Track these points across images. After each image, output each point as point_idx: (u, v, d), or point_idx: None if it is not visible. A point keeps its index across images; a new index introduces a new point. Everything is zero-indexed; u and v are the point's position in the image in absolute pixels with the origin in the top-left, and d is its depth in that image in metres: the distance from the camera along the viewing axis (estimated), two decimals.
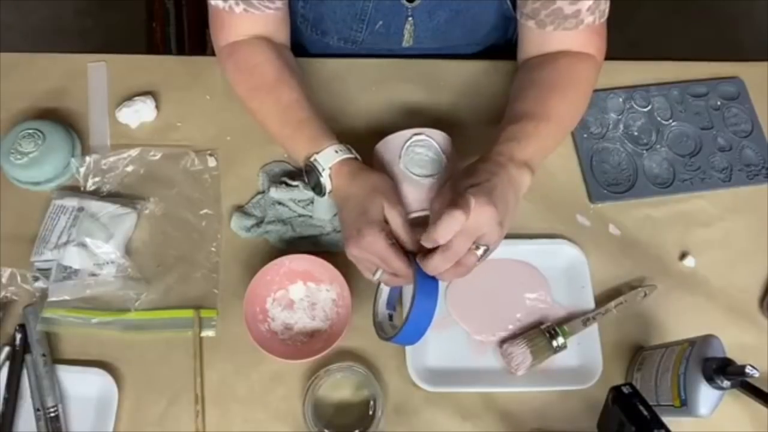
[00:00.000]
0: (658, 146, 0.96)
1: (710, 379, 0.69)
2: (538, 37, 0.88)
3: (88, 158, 0.91)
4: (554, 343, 0.80)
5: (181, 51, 1.23)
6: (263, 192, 0.91)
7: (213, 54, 0.94)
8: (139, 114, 0.95)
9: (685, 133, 0.98)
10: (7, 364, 0.80)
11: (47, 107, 0.97)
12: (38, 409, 0.77)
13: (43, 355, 0.79)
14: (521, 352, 0.79)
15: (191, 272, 0.86)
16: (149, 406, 0.79)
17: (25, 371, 0.79)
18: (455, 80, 1.00)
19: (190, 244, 0.88)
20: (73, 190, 0.91)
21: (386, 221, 0.72)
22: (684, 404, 0.71)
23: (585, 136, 0.96)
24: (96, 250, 0.84)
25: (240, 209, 0.90)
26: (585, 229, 0.91)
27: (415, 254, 0.71)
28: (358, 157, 0.81)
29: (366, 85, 0.99)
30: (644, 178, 0.94)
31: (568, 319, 0.83)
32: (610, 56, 0.90)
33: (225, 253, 0.88)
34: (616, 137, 0.97)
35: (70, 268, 0.84)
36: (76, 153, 0.92)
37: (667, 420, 0.65)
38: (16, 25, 2.00)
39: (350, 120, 0.96)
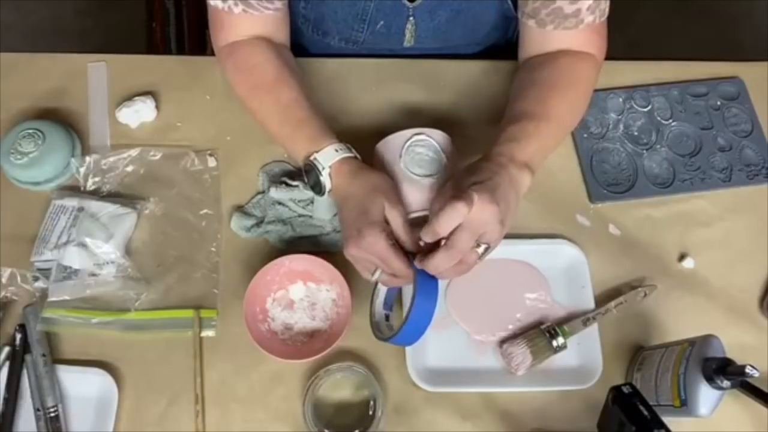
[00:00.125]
0: (658, 146, 0.96)
1: (710, 379, 0.69)
2: (539, 37, 0.88)
3: (88, 158, 0.91)
4: (554, 343, 0.80)
5: (181, 51, 1.23)
6: (263, 192, 0.91)
7: (213, 54, 0.94)
8: (139, 114, 0.95)
9: (685, 133, 0.98)
10: (7, 364, 0.80)
11: (47, 107, 0.97)
12: (38, 409, 0.77)
13: (43, 355, 0.79)
14: (521, 352, 0.79)
15: (191, 272, 0.86)
16: (149, 406, 0.79)
17: (25, 371, 0.79)
18: (455, 80, 1.00)
19: (190, 244, 0.88)
20: (73, 190, 0.91)
21: (387, 221, 0.72)
22: (684, 404, 0.71)
23: (585, 136, 0.96)
24: (96, 250, 0.84)
25: (240, 209, 0.90)
26: (585, 229, 0.91)
27: (414, 254, 0.71)
28: (358, 156, 0.81)
29: (366, 85, 0.99)
30: (644, 178, 0.94)
31: (568, 319, 0.83)
32: (610, 56, 0.90)
33: (225, 253, 0.88)
34: (616, 137, 0.97)
35: (70, 268, 0.84)
36: (76, 153, 0.92)
37: (667, 420, 0.65)
38: (16, 25, 2.00)
39: (350, 120, 0.96)
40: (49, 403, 0.77)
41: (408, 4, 0.93)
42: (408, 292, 0.78)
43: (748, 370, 0.66)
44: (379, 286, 0.80)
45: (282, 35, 0.92)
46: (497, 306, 0.85)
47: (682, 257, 0.89)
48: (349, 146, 0.80)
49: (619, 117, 0.98)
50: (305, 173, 0.82)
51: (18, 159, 0.88)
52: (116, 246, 0.85)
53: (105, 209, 0.87)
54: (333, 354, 0.79)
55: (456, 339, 0.83)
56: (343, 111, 0.97)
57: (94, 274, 0.84)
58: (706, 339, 0.73)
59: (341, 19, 0.95)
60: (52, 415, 0.76)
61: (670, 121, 0.98)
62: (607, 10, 0.86)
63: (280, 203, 0.89)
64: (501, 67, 1.01)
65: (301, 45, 1.03)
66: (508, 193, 0.71)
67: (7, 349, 0.80)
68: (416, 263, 0.70)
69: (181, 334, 0.82)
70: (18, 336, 0.80)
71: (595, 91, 0.93)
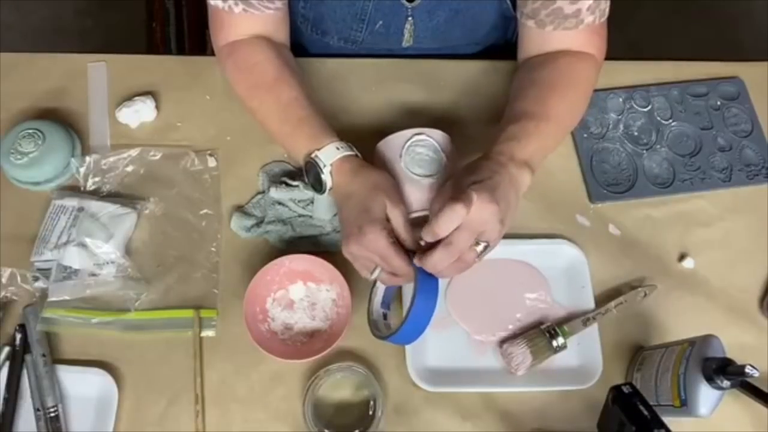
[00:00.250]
0: (658, 146, 0.96)
1: (710, 379, 0.69)
2: (538, 37, 0.88)
3: (88, 158, 0.91)
4: (554, 343, 0.80)
5: (181, 51, 1.23)
6: (263, 192, 0.91)
7: (213, 54, 0.94)
8: (139, 114, 0.95)
9: (685, 133, 0.98)
10: (7, 364, 0.80)
11: (47, 107, 0.97)
12: (38, 409, 0.77)
13: (43, 355, 0.79)
14: (521, 352, 0.79)
15: (191, 272, 0.86)
16: (149, 406, 0.79)
17: (25, 371, 0.79)
18: (455, 80, 1.00)
19: (190, 244, 0.88)
20: (73, 190, 0.91)
21: (388, 219, 0.72)
22: (684, 404, 0.71)
23: (585, 136, 0.96)
24: (96, 250, 0.84)
25: (240, 209, 0.90)
26: (585, 229, 0.91)
27: (414, 253, 0.71)
28: (359, 154, 0.81)
29: (366, 85, 0.99)
30: (644, 178, 0.94)
31: (568, 319, 0.83)
32: (610, 56, 0.90)
33: (225, 253, 0.88)
34: (616, 137, 0.97)
35: (70, 268, 0.84)
36: (76, 153, 0.92)
37: (667, 420, 0.65)
38: (16, 25, 2.00)
39: (350, 120, 0.96)
40: (49, 403, 0.77)
41: (407, 4, 0.93)
42: (408, 291, 0.78)
43: (748, 370, 0.66)
44: (378, 284, 0.80)
45: (282, 35, 0.92)
46: (497, 306, 0.85)
47: (682, 257, 0.89)
48: (350, 144, 0.80)
49: (619, 117, 0.98)
50: (306, 171, 0.82)
51: (18, 159, 0.88)
52: (116, 246, 0.85)
53: (105, 209, 0.87)
54: (333, 354, 0.79)
55: (456, 339, 0.83)
56: (342, 111, 0.97)
57: (94, 274, 0.84)
58: (706, 339, 0.73)
59: (340, 19, 0.95)
60: (52, 415, 0.76)
61: (670, 121, 0.98)
62: (607, 10, 0.86)
63: (280, 203, 0.89)
64: (500, 67, 1.01)
65: (301, 44, 1.03)
66: (508, 192, 0.71)
67: (7, 349, 0.80)
68: (415, 261, 0.70)
69: (181, 334, 0.82)
70: (18, 336, 0.80)
71: (595, 91, 0.93)
